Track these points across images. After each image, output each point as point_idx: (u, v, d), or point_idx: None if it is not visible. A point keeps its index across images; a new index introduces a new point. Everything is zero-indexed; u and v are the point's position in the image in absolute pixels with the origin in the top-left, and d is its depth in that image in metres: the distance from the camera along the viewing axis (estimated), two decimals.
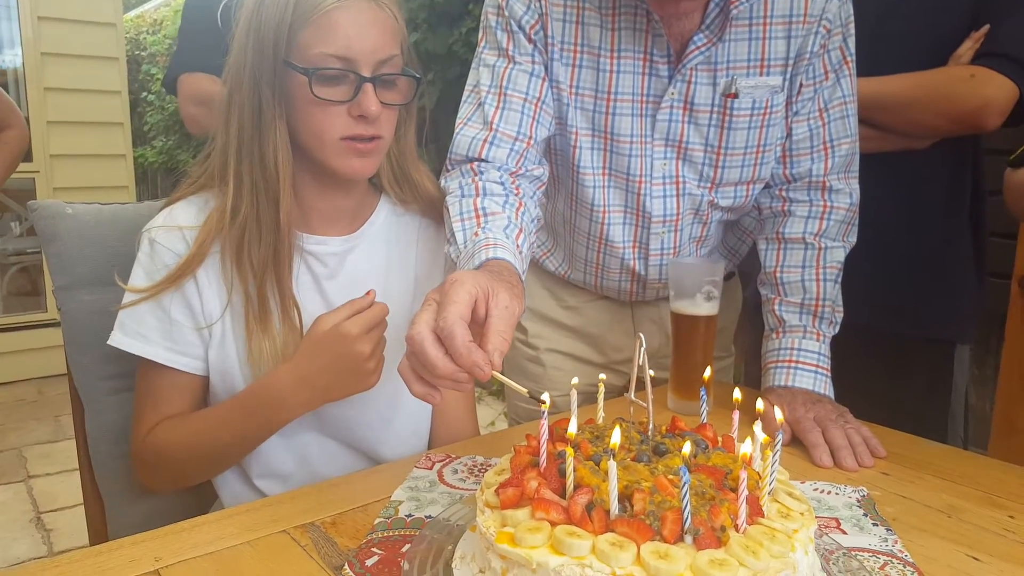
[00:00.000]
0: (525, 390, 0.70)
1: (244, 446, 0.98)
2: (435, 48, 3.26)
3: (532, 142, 1.08)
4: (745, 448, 0.61)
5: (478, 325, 0.74)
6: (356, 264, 1.05)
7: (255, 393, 0.94)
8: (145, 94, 7.37)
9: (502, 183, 1.02)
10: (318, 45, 0.90)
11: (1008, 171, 1.14)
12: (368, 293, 0.96)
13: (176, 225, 0.97)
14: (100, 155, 4.42)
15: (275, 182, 0.94)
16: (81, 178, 4.31)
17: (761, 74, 1.09)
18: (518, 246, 0.91)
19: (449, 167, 1.09)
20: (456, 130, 1.09)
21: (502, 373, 0.72)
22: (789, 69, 1.10)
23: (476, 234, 0.91)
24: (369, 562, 0.71)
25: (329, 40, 0.90)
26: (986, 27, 1.28)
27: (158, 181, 7.61)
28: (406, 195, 1.09)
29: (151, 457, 0.97)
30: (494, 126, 1.06)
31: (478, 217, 0.95)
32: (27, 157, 3.73)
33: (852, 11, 1.11)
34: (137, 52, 7.33)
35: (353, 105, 0.92)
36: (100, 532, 1.10)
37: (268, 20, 0.91)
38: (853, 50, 1.13)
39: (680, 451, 0.65)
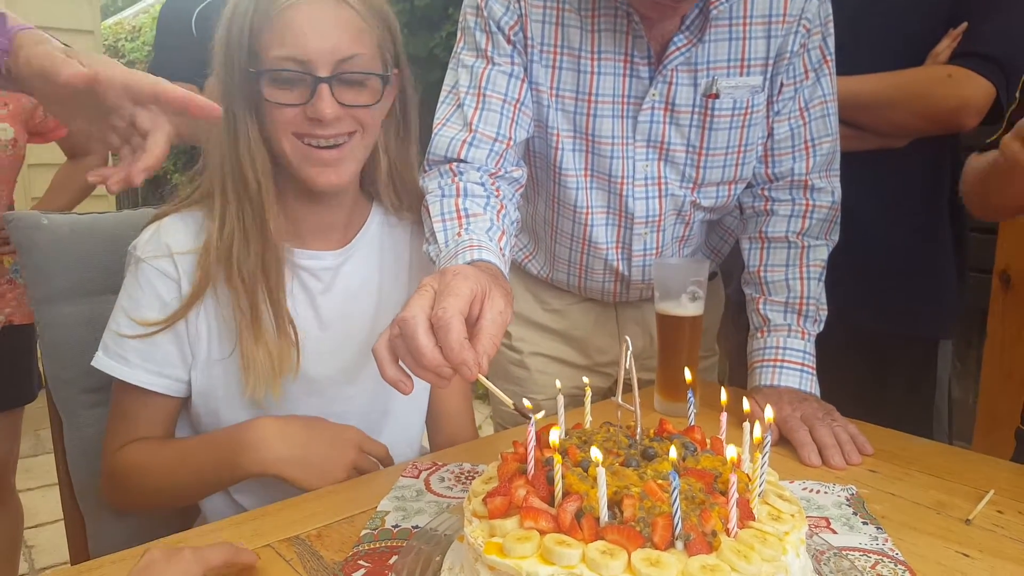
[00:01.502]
0: (511, 402, 0.69)
1: (199, 488, 0.96)
2: (415, 52, 3.25)
3: (511, 143, 1.07)
4: (731, 453, 0.61)
5: (469, 324, 0.72)
6: (350, 277, 1.04)
7: (228, 434, 0.92)
8: None
9: (482, 184, 1.01)
10: (275, 47, 0.89)
11: (972, 155, 1.13)
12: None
13: (165, 244, 0.95)
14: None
15: (256, 192, 0.93)
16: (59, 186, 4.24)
17: (741, 74, 1.09)
18: (501, 249, 0.90)
19: (427, 167, 1.08)
20: (434, 131, 1.08)
21: (487, 379, 0.70)
22: (769, 69, 1.10)
23: (459, 234, 0.90)
24: (356, 575, 0.70)
25: (285, 41, 0.88)
26: (963, 26, 1.29)
27: (138, 190, 7.53)
28: (403, 202, 1.07)
29: (116, 478, 0.96)
30: (473, 127, 1.05)
31: (460, 218, 0.94)
32: None
33: (831, 10, 1.12)
34: (115, 59, 7.25)
35: (308, 107, 0.90)
36: (81, 549, 1.07)
37: (235, 28, 0.90)
38: (833, 49, 1.14)
39: (668, 455, 0.65)
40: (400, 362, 0.71)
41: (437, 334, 0.68)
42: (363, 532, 0.78)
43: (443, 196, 0.98)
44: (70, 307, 1.05)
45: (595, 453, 0.59)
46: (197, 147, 1.95)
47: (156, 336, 0.93)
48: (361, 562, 0.72)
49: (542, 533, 0.56)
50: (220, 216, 0.94)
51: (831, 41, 1.13)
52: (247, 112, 0.92)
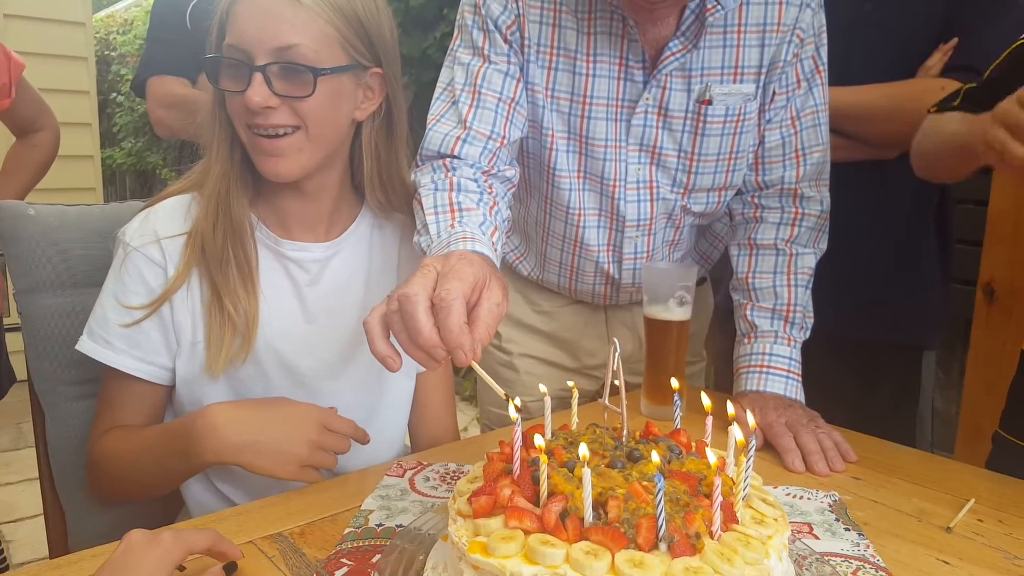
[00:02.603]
0: (502, 391, 0.69)
1: (166, 477, 0.94)
2: (409, 52, 3.25)
3: (505, 142, 1.07)
4: (712, 457, 0.61)
5: (467, 310, 0.72)
6: (338, 271, 1.03)
7: (183, 423, 0.90)
8: (115, 95, 7.24)
9: (475, 180, 1.01)
10: (228, 37, 0.91)
11: (930, 116, 1.13)
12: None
13: (153, 231, 0.95)
14: (67, 156, 4.29)
15: (220, 164, 0.95)
16: (47, 179, 4.15)
17: (735, 81, 1.09)
18: (493, 243, 0.90)
19: (420, 162, 1.08)
20: (428, 126, 1.08)
21: (480, 366, 0.70)
22: (762, 77, 1.11)
23: (452, 226, 0.90)
24: (338, 573, 0.69)
25: (232, 31, 0.90)
26: (954, 40, 1.31)
27: (127, 183, 7.47)
28: (392, 202, 1.06)
29: (94, 466, 0.95)
30: (468, 124, 1.05)
31: (453, 211, 0.94)
32: None
33: (825, 21, 1.13)
34: (107, 52, 7.20)
35: (245, 95, 0.90)
36: (60, 544, 1.06)
37: (216, 20, 0.93)
38: (825, 60, 1.15)
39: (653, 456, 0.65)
40: (392, 338, 0.71)
41: (437, 315, 0.68)
42: (347, 530, 0.78)
43: (436, 190, 0.97)
44: (54, 299, 1.04)
45: (583, 450, 0.59)
46: (188, 143, 1.95)
47: (142, 323, 0.93)
48: (344, 560, 0.71)
49: (526, 533, 0.56)
50: (205, 201, 0.96)
51: (824, 52, 1.14)
52: (216, 104, 0.95)
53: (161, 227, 0.95)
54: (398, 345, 0.72)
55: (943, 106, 1.10)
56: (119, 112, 7.31)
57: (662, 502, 0.55)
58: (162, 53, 1.84)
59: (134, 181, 7.36)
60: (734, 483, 0.63)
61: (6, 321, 1.77)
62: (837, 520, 0.83)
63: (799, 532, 0.79)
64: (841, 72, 1.27)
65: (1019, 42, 1.00)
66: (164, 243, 0.94)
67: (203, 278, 0.95)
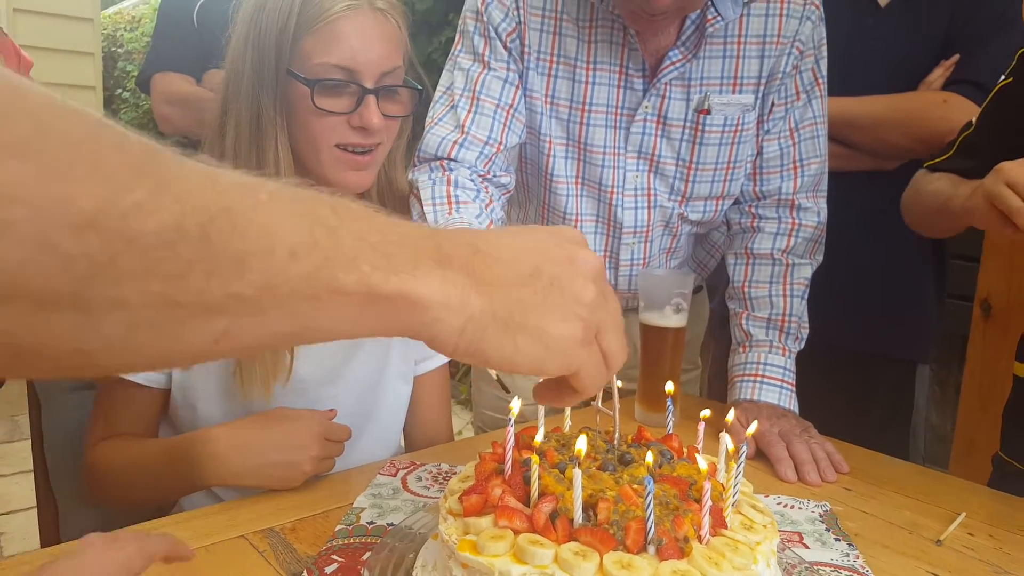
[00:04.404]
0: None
1: (162, 494, 0.94)
2: (414, 56, 3.27)
3: (502, 147, 1.08)
4: (702, 464, 0.61)
5: None
6: None
7: (182, 446, 0.88)
8: (120, 91, 7.26)
9: (472, 180, 1.04)
10: (321, 55, 0.89)
11: (921, 173, 1.15)
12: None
13: None
14: None
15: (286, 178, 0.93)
16: None
17: (734, 92, 1.10)
18: None
19: (417, 163, 1.09)
20: (426, 129, 1.09)
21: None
22: (761, 88, 1.11)
23: (449, 214, 0.92)
24: (328, 569, 0.69)
25: (332, 50, 0.89)
26: (956, 56, 1.32)
27: None
28: (387, 204, 1.07)
29: (90, 472, 0.95)
30: (465, 129, 1.07)
31: (450, 203, 0.96)
32: None
33: (824, 34, 1.14)
34: (114, 49, 7.22)
35: (354, 116, 0.91)
36: (53, 536, 1.06)
37: (269, 28, 0.90)
38: (825, 72, 1.15)
39: (645, 460, 0.65)
40: None
41: None
42: (338, 527, 0.78)
43: (434, 184, 1.00)
44: None
45: (582, 443, 0.60)
46: (190, 139, 1.95)
47: None
48: (334, 557, 0.72)
49: (516, 532, 0.56)
50: None
51: (824, 64, 1.15)
52: (276, 112, 0.92)
53: None
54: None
55: (938, 164, 1.12)
56: (124, 108, 7.33)
57: (651, 505, 0.55)
58: (168, 50, 1.84)
59: None
60: (724, 488, 0.63)
61: None
62: (827, 530, 0.83)
63: (789, 541, 0.80)
64: (842, 85, 1.28)
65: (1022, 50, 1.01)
66: None
67: None
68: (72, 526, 1.05)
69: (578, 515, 0.56)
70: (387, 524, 0.79)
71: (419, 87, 0.98)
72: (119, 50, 7.31)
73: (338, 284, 0.38)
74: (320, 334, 0.39)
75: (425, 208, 0.95)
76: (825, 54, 1.15)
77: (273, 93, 0.91)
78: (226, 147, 0.93)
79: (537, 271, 0.45)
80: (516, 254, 0.45)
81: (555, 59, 1.11)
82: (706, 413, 0.76)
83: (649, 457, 0.60)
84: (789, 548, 0.77)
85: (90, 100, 4.40)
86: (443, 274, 0.42)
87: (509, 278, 0.44)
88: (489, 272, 0.44)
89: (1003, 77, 1.03)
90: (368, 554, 0.71)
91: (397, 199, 1.08)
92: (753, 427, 0.70)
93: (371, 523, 0.79)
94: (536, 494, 0.59)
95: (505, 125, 1.09)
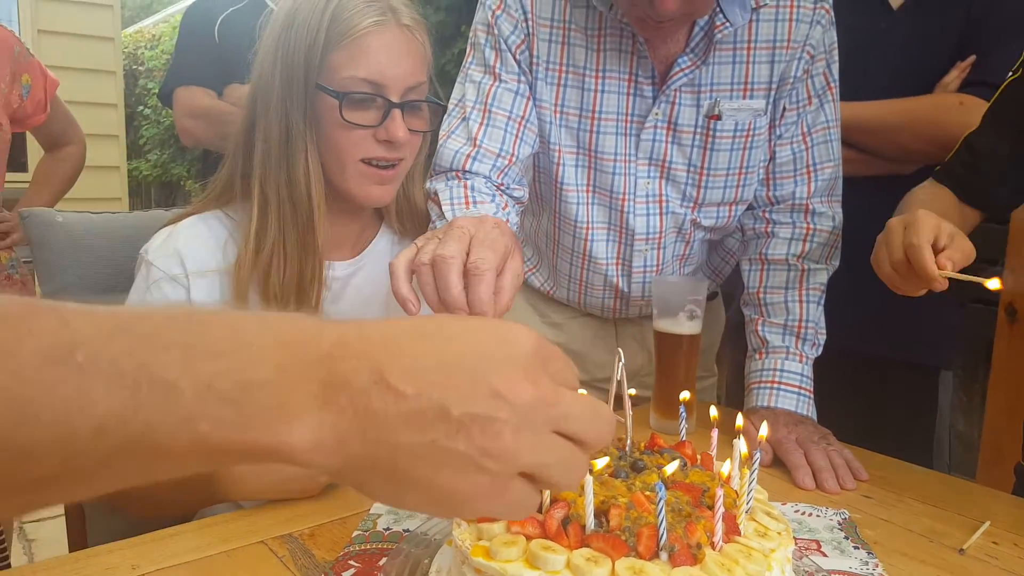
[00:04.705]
0: None
1: (182, 508, 0.93)
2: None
3: (514, 159, 1.09)
4: (724, 467, 0.61)
5: None
6: (359, 289, 1.05)
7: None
8: (141, 108, 7.40)
9: (488, 187, 1.05)
10: (348, 69, 0.91)
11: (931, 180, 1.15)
12: None
13: (174, 248, 0.95)
14: (95, 167, 4.41)
15: (307, 208, 0.94)
16: (75, 189, 4.26)
17: (744, 97, 1.10)
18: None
19: (433, 175, 1.11)
20: (440, 142, 1.10)
21: None
22: (772, 93, 1.11)
23: (467, 208, 0.94)
24: (346, 574, 0.70)
25: (360, 64, 0.91)
26: (972, 58, 1.31)
27: (152, 194, 7.62)
28: (406, 220, 1.09)
29: None
30: (478, 142, 1.08)
31: (468, 202, 0.98)
32: (22, 167, 3.74)
33: (836, 38, 1.13)
34: (135, 67, 7.38)
35: (380, 130, 0.93)
36: (80, 542, 1.08)
37: (298, 44, 0.92)
38: (837, 76, 1.15)
39: (657, 467, 0.65)
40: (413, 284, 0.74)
41: (469, 281, 0.71)
42: (355, 533, 0.79)
43: (451, 188, 1.02)
44: (77, 301, 1.07)
45: (601, 463, 0.60)
46: (212, 152, 1.99)
47: None
48: (351, 562, 0.72)
49: (528, 538, 0.57)
50: (257, 229, 0.94)
51: (835, 68, 1.14)
52: (306, 126, 0.93)
53: (183, 245, 0.96)
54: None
55: (939, 170, 1.12)
56: (145, 125, 7.47)
57: (663, 511, 0.55)
58: (190, 64, 1.88)
59: (159, 192, 7.50)
60: (737, 495, 0.63)
61: None
62: (846, 538, 0.82)
63: (807, 549, 0.79)
64: (856, 89, 1.27)
65: None
66: (186, 262, 0.95)
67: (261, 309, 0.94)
68: (99, 532, 1.07)
69: (590, 521, 0.57)
70: (403, 530, 0.79)
71: (442, 103, 1.00)
72: (140, 68, 7.45)
73: (164, 448, 0.34)
74: (177, 472, 0.37)
75: (444, 208, 0.97)
76: (836, 58, 1.14)
77: (302, 108, 0.92)
78: (255, 161, 0.95)
79: (444, 414, 0.37)
80: (426, 388, 0.38)
81: (564, 68, 1.12)
82: (714, 413, 0.76)
83: (673, 467, 0.60)
84: (807, 556, 0.76)
85: (112, 117, 4.50)
86: (319, 417, 0.36)
87: (407, 421, 0.37)
88: (384, 412, 0.37)
89: (1010, 73, 1.02)
90: (384, 559, 0.72)
91: (415, 215, 1.10)
92: (764, 430, 0.69)
93: (387, 529, 0.80)
94: (548, 500, 0.59)
95: (517, 137, 1.10)
